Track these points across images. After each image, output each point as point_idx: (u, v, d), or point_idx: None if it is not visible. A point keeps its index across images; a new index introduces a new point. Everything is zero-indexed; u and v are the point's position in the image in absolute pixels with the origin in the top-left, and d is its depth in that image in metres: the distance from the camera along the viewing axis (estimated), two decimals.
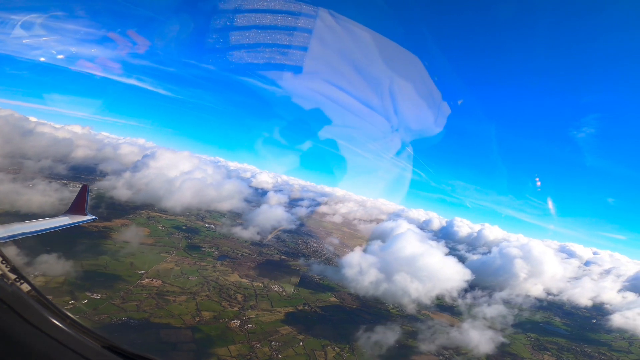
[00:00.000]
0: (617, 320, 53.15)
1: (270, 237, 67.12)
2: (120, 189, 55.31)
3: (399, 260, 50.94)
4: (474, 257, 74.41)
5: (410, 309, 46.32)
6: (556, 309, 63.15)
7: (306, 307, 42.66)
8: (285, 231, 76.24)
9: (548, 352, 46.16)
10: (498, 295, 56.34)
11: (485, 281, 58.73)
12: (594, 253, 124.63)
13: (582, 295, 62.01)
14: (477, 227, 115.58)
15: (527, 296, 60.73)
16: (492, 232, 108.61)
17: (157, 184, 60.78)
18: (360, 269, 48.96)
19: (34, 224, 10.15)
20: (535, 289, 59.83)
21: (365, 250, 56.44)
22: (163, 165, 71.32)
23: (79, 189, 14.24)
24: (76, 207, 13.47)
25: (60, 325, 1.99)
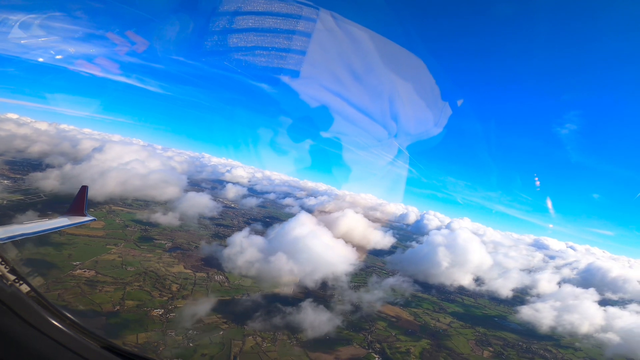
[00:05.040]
0: (525, 312, 52.32)
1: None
2: (51, 180, 56.63)
3: (284, 242, 51.42)
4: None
5: (289, 290, 46.07)
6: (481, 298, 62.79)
7: (244, 297, 43.05)
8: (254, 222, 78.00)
9: (491, 348, 45.69)
10: (389, 281, 56.32)
11: (409, 270, 58.93)
12: (569, 247, 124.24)
13: (504, 286, 61.48)
14: (447, 220, 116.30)
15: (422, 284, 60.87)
16: (461, 224, 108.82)
17: (91, 175, 62.16)
18: (240, 248, 49.17)
19: (34, 225, 10.33)
20: (463, 278, 59.55)
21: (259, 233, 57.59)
22: (109, 158, 72.99)
23: (79, 189, 14.16)
24: (75, 207, 13.52)
25: (60, 325, 2.02)
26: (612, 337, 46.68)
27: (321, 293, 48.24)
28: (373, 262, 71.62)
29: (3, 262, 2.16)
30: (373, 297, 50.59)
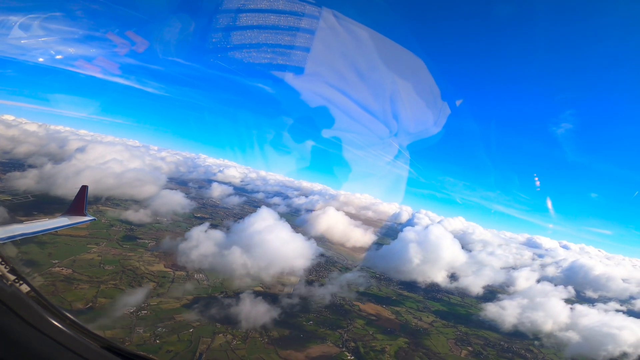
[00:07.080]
0: (490, 309, 51.76)
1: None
2: (28, 180, 57.78)
3: (242, 237, 51.98)
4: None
5: (241, 284, 46.22)
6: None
7: (221, 294, 43.23)
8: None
9: (470, 347, 45.21)
10: (346, 276, 56.27)
11: (380, 266, 58.82)
12: (563, 246, 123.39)
13: (475, 283, 61.02)
14: (438, 219, 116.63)
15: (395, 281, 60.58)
16: (452, 223, 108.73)
17: (67, 175, 63.26)
18: (197, 243, 49.76)
19: (34, 225, 10.46)
20: (435, 275, 59.28)
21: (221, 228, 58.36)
22: (90, 158, 74.42)
23: (78, 189, 14.21)
24: (75, 207, 13.59)
25: (60, 325, 2.03)
26: (573, 335, 46.20)
27: (278, 290, 48.28)
28: (347, 258, 71.61)
29: (3, 262, 2.15)
30: (329, 291, 50.75)
